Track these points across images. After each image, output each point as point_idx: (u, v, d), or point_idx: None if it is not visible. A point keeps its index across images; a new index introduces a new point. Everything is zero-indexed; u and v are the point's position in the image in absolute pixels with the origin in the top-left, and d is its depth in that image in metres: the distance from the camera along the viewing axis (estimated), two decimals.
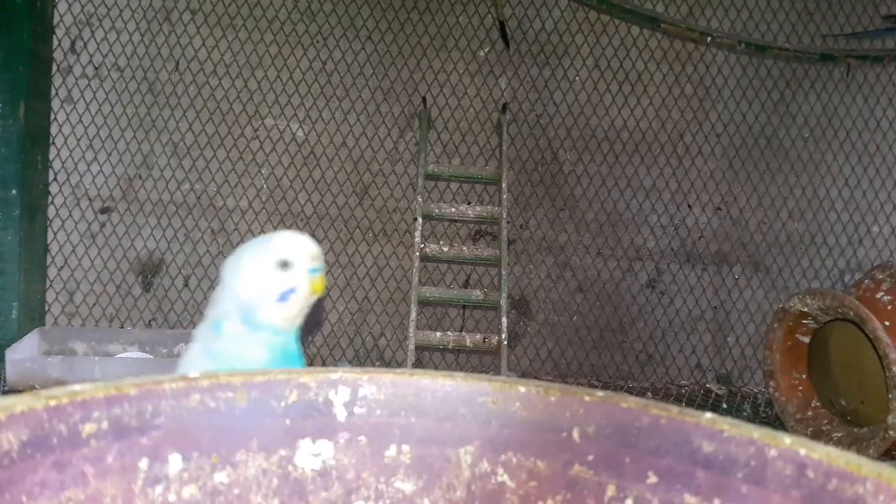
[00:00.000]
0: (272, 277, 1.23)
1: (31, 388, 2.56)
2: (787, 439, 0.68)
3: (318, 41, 3.71)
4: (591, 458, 0.76)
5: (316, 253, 1.25)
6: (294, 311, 1.24)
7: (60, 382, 2.57)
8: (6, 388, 2.76)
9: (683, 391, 3.72)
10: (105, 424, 0.67)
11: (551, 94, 3.80)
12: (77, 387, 0.64)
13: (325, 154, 3.73)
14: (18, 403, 0.61)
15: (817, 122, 3.90)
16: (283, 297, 1.22)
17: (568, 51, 3.80)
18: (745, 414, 3.49)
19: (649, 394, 3.64)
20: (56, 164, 3.58)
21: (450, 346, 3.11)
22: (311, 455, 0.78)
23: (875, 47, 3.83)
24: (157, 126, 3.65)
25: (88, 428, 0.65)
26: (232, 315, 1.25)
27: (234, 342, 1.23)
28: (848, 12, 3.88)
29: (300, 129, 3.72)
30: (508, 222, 3.51)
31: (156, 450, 0.69)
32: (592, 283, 3.85)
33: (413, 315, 3.06)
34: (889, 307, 2.70)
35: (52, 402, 0.64)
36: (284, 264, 1.22)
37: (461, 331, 3.74)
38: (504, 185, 3.29)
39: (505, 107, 3.52)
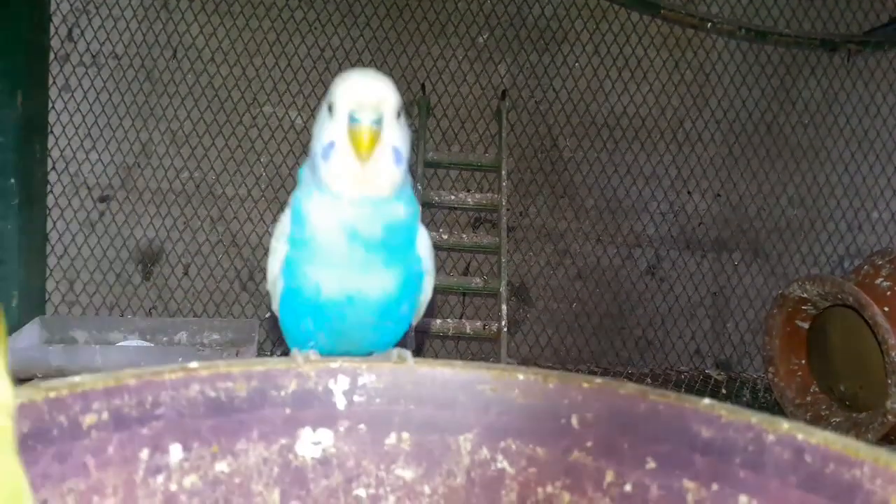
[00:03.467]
0: (320, 125, 0.96)
1: (33, 376, 2.57)
2: (784, 424, 0.68)
3: (316, 28, 3.70)
4: (589, 444, 0.76)
5: (364, 98, 0.90)
6: (343, 172, 0.92)
7: (61, 371, 2.58)
8: None
9: (683, 377, 3.73)
10: (105, 415, 0.67)
11: (551, 80, 3.79)
12: (77, 378, 0.64)
13: None
14: (19, 395, 0.61)
15: (817, 109, 3.89)
16: (324, 154, 0.94)
17: (567, 37, 3.79)
18: (744, 399, 3.51)
19: (649, 380, 3.65)
20: (55, 153, 3.58)
21: (450, 334, 3.11)
22: (311, 443, 0.78)
23: (876, 33, 3.81)
24: (156, 114, 3.64)
25: (89, 419, 0.66)
26: (310, 164, 0.99)
27: (308, 202, 1.00)
28: None
29: (299, 117, 3.72)
30: (508, 210, 3.51)
31: (156, 440, 0.69)
32: (592, 270, 3.85)
33: None
34: (888, 293, 2.70)
35: (53, 394, 0.64)
36: (330, 108, 0.94)
37: (461, 318, 3.74)
38: (503, 172, 3.28)
39: (504, 93, 3.50)
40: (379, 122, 0.91)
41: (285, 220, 1.05)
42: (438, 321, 3.11)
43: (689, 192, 3.86)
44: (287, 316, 1.05)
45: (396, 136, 0.94)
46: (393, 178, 0.94)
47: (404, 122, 0.97)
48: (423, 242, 1.04)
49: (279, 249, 1.04)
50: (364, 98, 0.90)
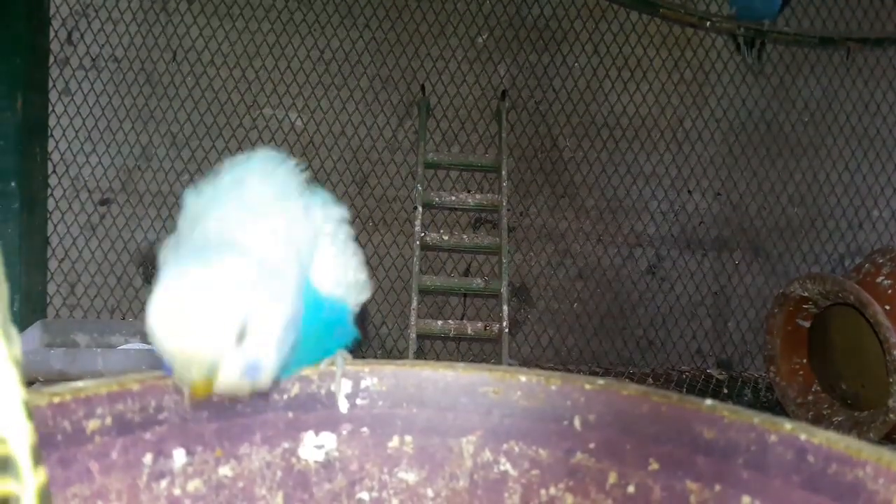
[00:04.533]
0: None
1: (34, 380, 2.58)
2: (787, 424, 0.68)
3: (315, 29, 3.70)
4: (592, 445, 0.76)
5: (183, 359, 0.70)
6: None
7: (63, 374, 2.58)
8: None
9: (684, 377, 3.73)
10: (109, 420, 0.67)
11: (551, 80, 3.79)
12: (80, 383, 0.65)
13: (325, 143, 3.72)
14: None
15: (817, 107, 3.89)
16: (167, 370, 0.75)
17: (567, 37, 3.79)
18: (745, 399, 3.51)
19: (650, 380, 3.65)
20: (55, 157, 3.58)
21: (451, 335, 3.11)
22: (314, 447, 0.78)
23: (875, 30, 3.81)
24: (156, 117, 3.64)
25: (92, 424, 0.66)
26: None
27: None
28: None
29: (299, 119, 3.72)
30: (508, 210, 3.51)
31: (160, 445, 0.70)
32: (593, 270, 3.85)
33: (414, 304, 3.06)
34: (889, 291, 2.70)
35: (56, 400, 0.64)
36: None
37: (462, 319, 3.74)
38: (504, 172, 3.28)
39: (504, 94, 3.50)
40: (213, 368, 0.70)
41: None
42: (440, 322, 3.10)
43: (689, 192, 3.86)
44: None
45: (242, 358, 0.71)
46: (254, 386, 0.74)
47: (263, 315, 0.73)
48: (324, 274, 0.86)
49: None
50: (183, 359, 0.71)
